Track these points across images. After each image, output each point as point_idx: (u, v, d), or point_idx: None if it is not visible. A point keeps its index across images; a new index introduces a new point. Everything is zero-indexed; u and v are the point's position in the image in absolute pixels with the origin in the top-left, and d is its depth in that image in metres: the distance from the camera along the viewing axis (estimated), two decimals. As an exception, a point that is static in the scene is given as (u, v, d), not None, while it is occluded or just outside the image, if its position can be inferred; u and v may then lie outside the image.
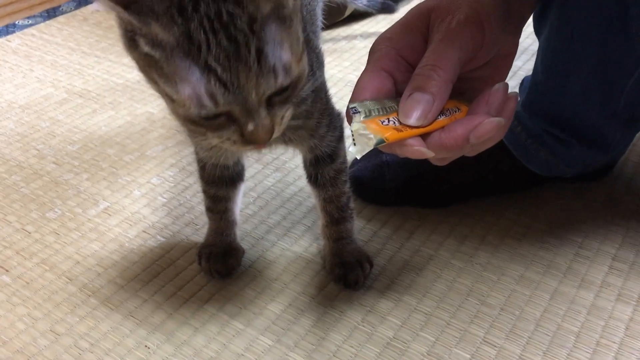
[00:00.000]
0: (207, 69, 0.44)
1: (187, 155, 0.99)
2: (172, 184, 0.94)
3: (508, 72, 0.56)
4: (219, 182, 0.75)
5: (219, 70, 0.44)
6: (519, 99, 0.52)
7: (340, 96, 1.11)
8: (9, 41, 1.41)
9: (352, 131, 0.46)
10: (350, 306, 0.73)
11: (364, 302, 0.73)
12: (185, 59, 0.44)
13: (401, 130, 0.47)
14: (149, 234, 0.85)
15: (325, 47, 1.25)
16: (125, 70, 1.25)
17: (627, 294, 0.73)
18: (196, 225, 0.86)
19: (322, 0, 0.82)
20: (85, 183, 0.95)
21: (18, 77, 1.26)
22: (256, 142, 0.48)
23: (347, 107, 0.49)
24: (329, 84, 0.71)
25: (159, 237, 0.84)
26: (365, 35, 1.37)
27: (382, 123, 0.47)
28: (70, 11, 1.55)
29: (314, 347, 0.68)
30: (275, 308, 0.73)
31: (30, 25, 1.48)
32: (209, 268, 0.76)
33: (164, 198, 0.91)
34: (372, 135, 0.46)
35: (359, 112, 0.47)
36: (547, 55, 0.76)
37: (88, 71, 1.27)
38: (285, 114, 0.50)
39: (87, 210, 0.90)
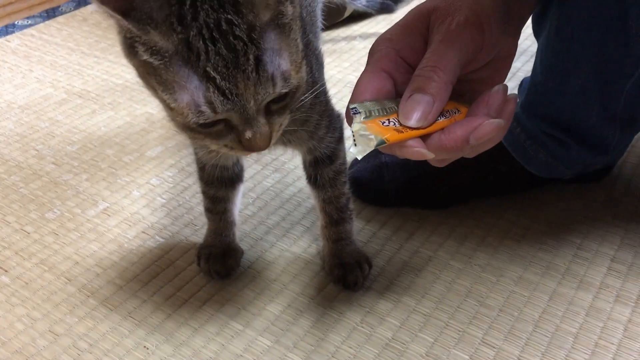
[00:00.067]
0: (205, 77, 0.44)
1: (186, 156, 0.99)
2: (172, 185, 0.94)
3: (507, 74, 0.56)
4: (218, 183, 0.75)
5: (217, 78, 0.44)
6: (518, 100, 0.52)
7: (339, 97, 1.11)
8: (9, 41, 1.41)
9: (352, 132, 0.46)
10: (349, 307, 0.73)
11: (363, 303, 0.73)
12: (184, 66, 0.44)
13: (401, 132, 0.47)
14: (148, 234, 0.85)
15: (325, 48, 1.25)
16: (124, 71, 1.25)
17: (626, 295, 0.73)
18: (195, 226, 0.86)
19: (321, 1, 0.82)
20: (84, 183, 0.95)
21: (17, 78, 1.26)
22: (254, 149, 0.49)
23: (347, 107, 0.49)
24: (328, 85, 0.71)
25: (158, 237, 0.84)
26: (364, 36, 1.37)
27: (382, 124, 0.47)
28: (69, 11, 1.55)
29: (312, 348, 0.68)
30: (274, 309, 0.73)
31: (30, 25, 1.48)
32: (208, 269, 0.76)
33: (163, 199, 0.91)
34: (372, 136, 0.46)
35: (360, 112, 0.47)
36: (546, 56, 0.76)
37: (87, 71, 1.27)
38: (284, 122, 0.50)
39: (86, 210, 0.90)
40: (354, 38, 1.37)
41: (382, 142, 0.45)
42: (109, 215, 0.88)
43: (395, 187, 0.85)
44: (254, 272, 0.78)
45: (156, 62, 0.44)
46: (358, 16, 1.42)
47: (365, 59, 0.53)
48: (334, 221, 0.74)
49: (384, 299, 0.73)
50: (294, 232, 0.84)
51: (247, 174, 0.87)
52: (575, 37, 0.71)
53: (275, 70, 0.45)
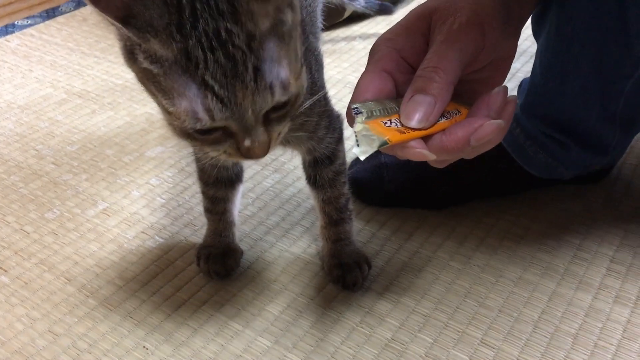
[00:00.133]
0: (203, 85, 0.44)
1: (186, 156, 0.99)
2: (171, 185, 0.94)
3: (507, 74, 0.56)
4: (218, 183, 0.75)
5: (215, 86, 0.44)
6: (517, 101, 0.52)
7: (339, 97, 1.12)
8: (8, 41, 1.41)
9: (355, 132, 0.46)
10: (348, 307, 0.73)
11: (362, 304, 0.73)
12: (183, 75, 0.44)
13: (403, 132, 0.47)
14: (147, 234, 0.85)
15: (325, 48, 1.25)
16: (124, 71, 1.25)
17: (625, 295, 0.73)
18: (195, 226, 0.86)
19: (322, 2, 0.82)
20: (84, 183, 0.95)
21: (17, 78, 1.26)
22: (252, 157, 0.49)
23: (349, 107, 0.49)
24: (328, 85, 0.71)
25: (157, 237, 0.84)
26: (364, 37, 1.37)
27: (384, 124, 0.47)
28: (69, 11, 1.55)
29: (312, 349, 0.68)
30: (274, 309, 0.73)
31: (30, 25, 1.48)
32: (207, 269, 0.76)
33: (163, 199, 0.91)
34: (375, 137, 0.45)
35: (361, 112, 0.47)
36: (546, 57, 0.76)
37: (87, 71, 1.27)
38: (283, 130, 0.50)
39: (85, 210, 0.90)
40: (353, 39, 1.37)
41: (384, 143, 0.45)
42: (108, 216, 0.88)
43: (394, 188, 0.85)
44: (254, 273, 0.78)
45: (156, 70, 0.45)
46: (358, 17, 1.42)
47: (365, 59, 0.53)
48: (334, 221, 0.74)
49: (383, 299, 0.74)
50: (294, 232, 0.84)
51: (246, 174, 0.87)
52: (575, 37, 0.71)
53: (274, 80, 0.45)
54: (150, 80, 0.46)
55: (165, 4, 0.43)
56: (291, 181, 0.94)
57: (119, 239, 0.84)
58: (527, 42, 1.20)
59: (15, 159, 1.01)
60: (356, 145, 0.46)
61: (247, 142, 0.48)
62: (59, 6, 1.57)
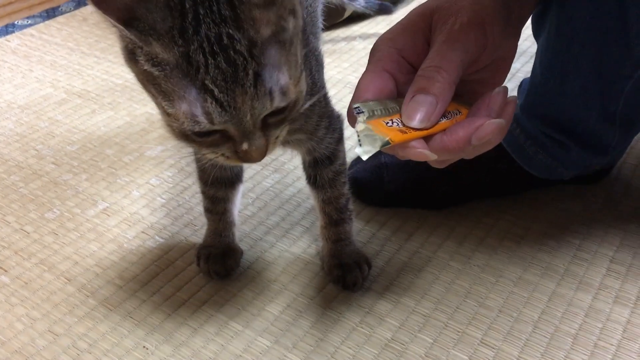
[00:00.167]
0: (203, 89, 0.44)
1: (186, 156, 0.99)
2: (171, 185, 0.94)
3: (507, 75, 0.56)
4: (218, 183, 0.75)
5: (215, 91, 0.44)
6: (517, 102, 0.52)
7: (339, 97, 1.11)
8: (8, 41, 1.41)
9: (357, 132, 0.46)
10: (348, 307, 0.73)
11: (362, 304, 0.73)
12: (183, 78, 0.44)
13: (405, 132, 0.47)
14: (147, 234, 0.85)
15: (325, 49, 1.25)
16: (124, 71, 1.25)
17: (625, 296, 0.73)
18: (195, 226, 0.86)
19: (322, 2, 0.82)
20: (84, 183, 0.95)
21: (17, 77, 1.26)
22: (249, 160, 0.50)
23: (350, 106, 0.49)
24: (328, 85, 0.71)
25: (157, 237, 0.84)
26: (364, 37, 1.37)
27: (386, 124, 0.47)
28: (69, 11, 1.55)
29: (312, 349, 0.68)
30: (274, 309, 0.73)
31: (30, 25, 1.48)
32: (207, 269, 0.76)
33: (163, 199, 0.91)
34: (377, 137, 0.45)
35: (363, 112, 0.47)
36: (546, 57, 0.76)
37: (87, 71, 1.27)
38: (281, 134, 0.51)
39: (85, 210, 0.90)
40: (353, 39, 1.37)
41: (387, 143, 0.45)
42: (108, 215, 0.88)
43: (394, 188, 0.85)
44: (254, 273, 0.78)
45: (156, 72, 0.45)
46: (358, 17, 1.42)
47: (365, 59, 0.53)
48: (334, 222, 0.74)
49: (383, 299, 0.74)
50: (294, 232, 0.84)
51: (246, 175, 0.87)
52: (575, 37, 0.71)
53: (273, 86, 0.46)
54: (150, 82, 0.46)
55: (168, 8, 0.43)
56: (291, 181, 0.94)
57: (119, 239, 0.84)
58: (527, 42, 1.20)
59: (15, 158, 1.01)
60: (358, 145, 0.46)
61: (244, 146, 0.48)
62: (59, 6, 1.57)
